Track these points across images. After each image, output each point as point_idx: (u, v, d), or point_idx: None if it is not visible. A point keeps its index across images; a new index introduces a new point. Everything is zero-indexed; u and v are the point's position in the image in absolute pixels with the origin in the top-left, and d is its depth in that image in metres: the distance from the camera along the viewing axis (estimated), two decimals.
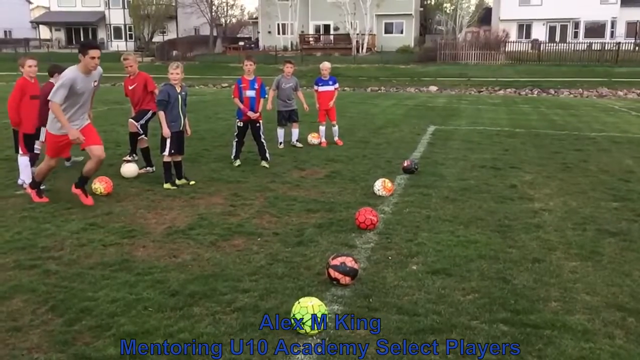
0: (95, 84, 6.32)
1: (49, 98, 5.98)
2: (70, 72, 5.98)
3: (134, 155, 8.91)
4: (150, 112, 8.34)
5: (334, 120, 11.24)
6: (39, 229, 5.67)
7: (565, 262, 4.93)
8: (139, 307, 3.93)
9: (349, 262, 4.32)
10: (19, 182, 7.44)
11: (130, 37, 60.51)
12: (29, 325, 3.69)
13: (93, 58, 5.97)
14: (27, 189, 6.90)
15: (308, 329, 3.53)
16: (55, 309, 3.90)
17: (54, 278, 4.44)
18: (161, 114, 7.27)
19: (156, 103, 7.44)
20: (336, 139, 11.28)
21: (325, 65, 11.19)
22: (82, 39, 61.92)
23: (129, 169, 8.12)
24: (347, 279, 4.29)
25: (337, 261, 4.32)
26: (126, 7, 58.54)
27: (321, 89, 11.09)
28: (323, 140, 11.21)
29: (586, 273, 4.66)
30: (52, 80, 7.67)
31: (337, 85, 11.27)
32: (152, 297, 4.10)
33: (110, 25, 61.05)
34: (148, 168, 8.44)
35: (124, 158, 8.87)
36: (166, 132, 7.29)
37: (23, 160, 7.35)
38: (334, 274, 4.29)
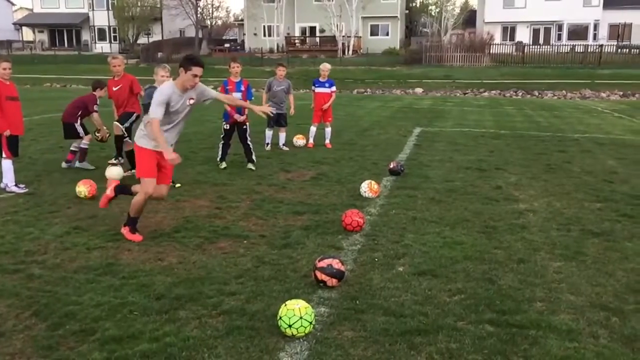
0: (192, 102, 5.37)
1: (149, 115, 5.13)
2: (168, 88, 5.16)
3: (120, 158, 8.84)
4: (135, 115, 8.28)
5: (328, 121, 11.25)
6: (23, 233, 5.61)
7: (549, 262, 4.97)
8: (124, 311, 3.90)
9: (336, 264, 4.32)
10: (2, 185, 7.35)
11: (115, 39, 60.04)
12: (12, 330, 3.64)
13: (195, 76, 5.13)
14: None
15: (295, 332, 3.52)
16: (38, 314, 3.85)
17: (38, 282, 4.39)
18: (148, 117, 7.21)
19: (143, 107, 7.39)
20: (327, 141, 11.29)
21: (325, 67, 11.16)
22: (65, 41, 61.51)
23: (114, 172, 8.02)
24: (334, 281, 4.29)
25: (323, 263, 4.32)
26: (110, 8, 58.06)
27: (317, 90, 11.13)
28: (311, 141, 11.21)
29: (570, 273, 4.71)
30: (95, 92, 8.59)
31: (333, 89, 11.23)
32: (138, 300, 4.07)
33: (94, 27, 60.51)
34: (133, 170, 8.36)
35: (109, 161, 8.79)
36: None
37: (6, 164, 7.25)
38: (321, 276, 4.28)
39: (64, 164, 8.78)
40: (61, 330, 3.63)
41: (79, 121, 8.69)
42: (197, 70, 5.11)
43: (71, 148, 8.88)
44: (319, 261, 4.38)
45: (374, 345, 3.49)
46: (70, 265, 4.78)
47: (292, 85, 11.05)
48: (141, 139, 5.32)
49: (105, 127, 8.63)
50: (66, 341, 3.50)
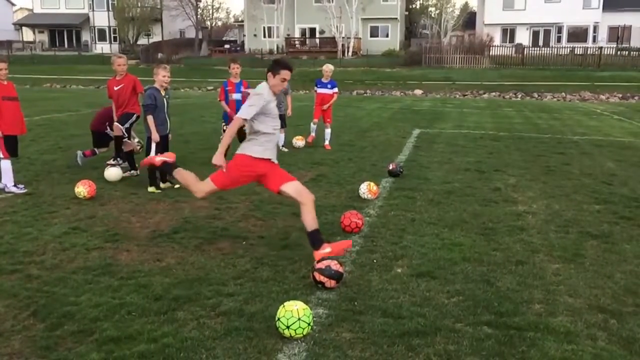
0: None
1: (240, 112, 4.93)
2: (268, 94, 4.96)
3: (119, 159, 8.83)
4: (135, 116, 8.28)
5: (328, 122, 11.26)
6: (21, 233, 5.60)
7: (548, 264, 4.97)
8: (122, 311, 3.90)
9: (334, 265, 4.32)
10: (0, 185, 7.34)
11: (115, 40, 60.06)
12: (10, 330, 3.64)
13: (284, 80, 4.96)
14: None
15: (293, 333, 3.52)
16: (37, 314, 3.85)
17: (36, 283, 4.39)
18: (150, 118, 7.22)
19: (143, 107, 7.39)
20: (326, 143, 11.29)
21: (328, 68, 11.19)
22: (65, 41, 61.52)
23: (113, 172, 8.05)
24: (332, 283, 4.29)
25: (322, 265, 4.32)
26: (111, 9, 58.10)
27: (319, 91, 11.17)
28: (312, 134, 11.25)
29: (569, 275, 4.71)
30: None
31: (335, 90, 11.25)
32: (136, 301, 4.06)
33: (94, 27, 60.54)
34: (132, 171, 8.37)
35: (108, 162, 8.80)
36: (155, 137, 7.25)
37: (5, 164, 7.25)
38: (319, 277, 4.28)
39: (78, 158, 8.80)
40: (59, 330, 3.63)
41: (108, 129, 8.72)
42: (285, 73, 4.94)
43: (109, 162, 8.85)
44: (317, 262, 4.38)
45: (372, 347, 3.49)
46: (68, 265, 4.78)
47: (290, 86, 11.04)
48: (251, 147, 5.00)
49: (135, 141, 8.69)
50: (64, 341, 3.50)
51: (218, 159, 4.95)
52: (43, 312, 3.88)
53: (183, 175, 5.39)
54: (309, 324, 3.57)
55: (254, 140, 4.99)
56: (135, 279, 4.49)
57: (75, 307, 3.96)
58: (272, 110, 4.98)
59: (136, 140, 8.80)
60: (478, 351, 3.45)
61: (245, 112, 4.85)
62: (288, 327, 3.51)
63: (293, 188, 4.99)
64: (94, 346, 3.44)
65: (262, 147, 4.98)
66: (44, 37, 62.76)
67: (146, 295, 4.18)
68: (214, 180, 5.13)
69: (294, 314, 3.53)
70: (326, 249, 4.81)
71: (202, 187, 5.20)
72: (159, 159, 5.69)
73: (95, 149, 9.05)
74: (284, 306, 3.63)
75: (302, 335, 3.54)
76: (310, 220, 4.88)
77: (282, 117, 10.68)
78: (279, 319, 3.56)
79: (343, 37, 48.24)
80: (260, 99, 4.88)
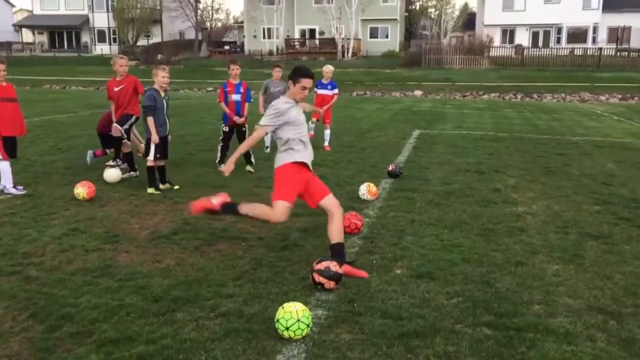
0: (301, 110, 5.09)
1: (261, 122, 4.88)
2: (283, 103, 4.87)
3: (118, 160, 8.83)
4: (134, 117, 8.27)
5: (327, 123, 11.26)
6: (20, 235, 5.60)
7: (548, 265, 4.97)
8: (121, 313, 3.89)
9: (333, 266, 4.32)
10: None
11: (115, 41, 60.06)
12: (9, 332, 3.63)
13: (304, 88, 4.81)
14: None
15: (292, 334, 3.52)
16: (36, 316, 3.85)
17: (35, 284, 4.38)
18: (150, 119, 7.22)
19: (143, 109, 7.37)
20: (325, 144, 11.29)
21: (328, 68, 11.17)
22: (65, 43, 61.55)
23: (112, 173, 8.05)
24: (332, 284, 4.29)
25: (321, 265, 4.32)
26: (110, 10, 58.12)
27: (319, 91, 11.14)
28: (311, 132, 11.26)
29: (568, 276, 4.70)
30: None
31: (335, 91, 11.24)
32: (135, 302, 4.06)
33: (94, 28, 60.54)
34: (131, 172, 8.37)
35: (107, 163, 8.79)
36: (155, 138, 7.25)
37: (4, 166, 7.24)
38: (319, 278, 4.28)
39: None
40: (58, 332, 3.63)
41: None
42: (306, 82, 4.81)
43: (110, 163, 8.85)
44: (316, 263, 4.37)
45: (372, 348, 3.49)
46: (67, 267, 4.78)
47: (287, 86, 11.04)
48: (286, 156, 4.87)
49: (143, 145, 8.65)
50: (63, 343, 3.50)
51: (228, 167, 4.90)
52: (42, 313, 3.88)
53: (252, 209, 5.07)
54: (308, 325, 3.56)
55: (287, 149, 4.87)
56: (135, 280, 4.49)
57: (74, 308, 3.96)
58: (293, 118, 4.82)
59: (143, 144, 8.77)
60: (477, 352, 3.45)
61: (265, 122, 4.82)
62: (287, 329, 3.51)
63: (330, 202, 4.91)
64: (93, 347, 3.43)
65: (296, 152, 4.85)
66: (44, 38, 62.77)
67: (145, 296, 4.17)
68: (279, 198, 4.81)
69: (293, 315, 3.52)
70: (344, 270, 4.61)
71: (276, 211, 4.81)
72: (215, 201, 5.20)
73: (106, 150, 9.06)
74: (283, 307, 3.62)
75: (301, 336, 3.54)
76: (337, 233, 4.78)
77: None
78: (278, 320, 3.56)
79: (343, 38, 48.26)
80: (275, 110, 4.81)
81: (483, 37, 46.07)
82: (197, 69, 43.48)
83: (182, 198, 7.13)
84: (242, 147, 5.02)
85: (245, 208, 5.07)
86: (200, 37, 58.18)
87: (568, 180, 8.54)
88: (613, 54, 41.69)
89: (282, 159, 4.89)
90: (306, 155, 4.91)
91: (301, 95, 4.88)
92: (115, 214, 6.40)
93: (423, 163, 9.85)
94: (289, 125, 4.81)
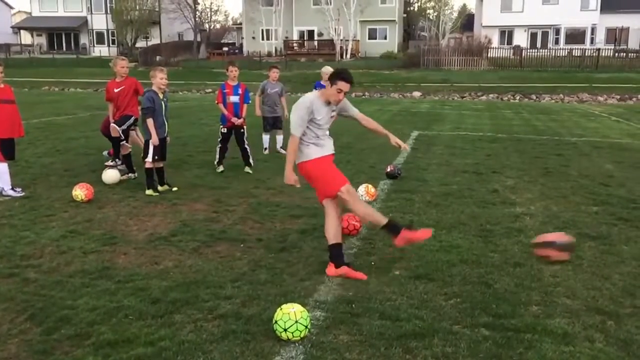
0: (333, 114, 5.06)
1: (291, 132, 4.76)
2: (307, 100, 4.78)
3: (117, 160, 8.82)
4: (133, 118, 8.27)
5: None
6: (18, 237, 5.60)
7: (545, 266, 4.96)
8: (119, 315, 3.89)
9: (560, 237, 4.44)
10: None
11: (113, 43, 60.07)
12: (7, 334, 3.63)
13: (340, 91, 4.74)
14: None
15: (290, 336, 3.52)
16: (33, 318, 3.84)
17: (33, 286, 4.38)
18: (150, 121, 7.21)
19: (142, 110, 7.37)
20: None
21: (327, 70, 11.10)
22: (64, 44, 61.52)
23: (111, 175, 8.04)
24: (565, 255, 4.37)
25: (549, 238, 4.40)
26: (109, 12, 58.13)
27: None
28: None
29: (566, 277, 4.71)
30: None
31: None
32: (133, 304, 4.06)
33: (92, 30, 60.57)
34: (130, 174, 8.37)
35: (106, 163, 8.79)
36: (155, 139, 7.25)
37: (1, 167, 7.23)
38: (548, 252, 4.32)
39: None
40: (56, 334, 3.62)
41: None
42: (342, 85, 4.71)
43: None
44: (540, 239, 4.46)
45: (370, 349, 3.49)
46: (66, 269, 4.77)
47: (285, 88, 11.07)
48: (309, 151, 4.83)
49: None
50: (61, 345, 3.49)
51: (289, 177, 4.75)
52: (40, 315, 3.87)
53: (362, 213, 4.88)
54: (306, 327, 3.56)
55: (312, 143, 4.86)
56: (133, 282, 4.48)
57: (72, 310, 3.95)
58: (317, 118, 4.79)
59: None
60: (475, 353, 3.45)
61: (295, 129, 4.74)
62: (285, 330, 3.51)
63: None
64: (91, 350, 3.43)
65: (320, 147, 4.89)
66: (42, 40, 62.78)
67: (143, 298, 4.17)
68: (339, 186, 4.72)
69: (292, 317, 3.52)
70: (342, 271, 4.69)
71: (350, 198, 4.73)
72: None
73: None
74: (281, 309, 3.62)
75: (299, 338, 3.54)
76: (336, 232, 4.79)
77: (278, 119, 10.70)
78: (276, 322, 3.56)
79: (341, 40, 48.30)
80: (300, 110, 4.74)
81: (481, 38, 46.10)
82: (195, 70, 43.46)
83: (180, 200, 7.13)
84: (289, 157, 4.80)
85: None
86: (199, 39, 58.22)
87: (566, 181, 8.54)
88: (611, 54, 41.72)
89: (312, 153, 4.83)
90: (330, 145, 5.06)
91: (336, 98, 4.79)
92: (114, 216, 6.40)
93: (421, 164, 9.85)
94: (310, 124, 4.78)
